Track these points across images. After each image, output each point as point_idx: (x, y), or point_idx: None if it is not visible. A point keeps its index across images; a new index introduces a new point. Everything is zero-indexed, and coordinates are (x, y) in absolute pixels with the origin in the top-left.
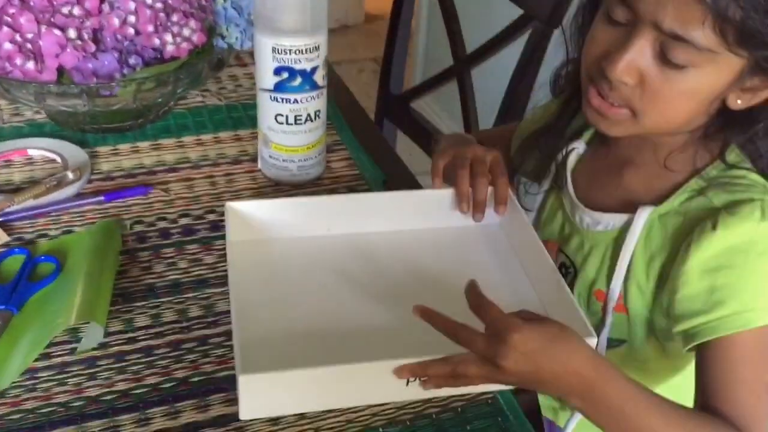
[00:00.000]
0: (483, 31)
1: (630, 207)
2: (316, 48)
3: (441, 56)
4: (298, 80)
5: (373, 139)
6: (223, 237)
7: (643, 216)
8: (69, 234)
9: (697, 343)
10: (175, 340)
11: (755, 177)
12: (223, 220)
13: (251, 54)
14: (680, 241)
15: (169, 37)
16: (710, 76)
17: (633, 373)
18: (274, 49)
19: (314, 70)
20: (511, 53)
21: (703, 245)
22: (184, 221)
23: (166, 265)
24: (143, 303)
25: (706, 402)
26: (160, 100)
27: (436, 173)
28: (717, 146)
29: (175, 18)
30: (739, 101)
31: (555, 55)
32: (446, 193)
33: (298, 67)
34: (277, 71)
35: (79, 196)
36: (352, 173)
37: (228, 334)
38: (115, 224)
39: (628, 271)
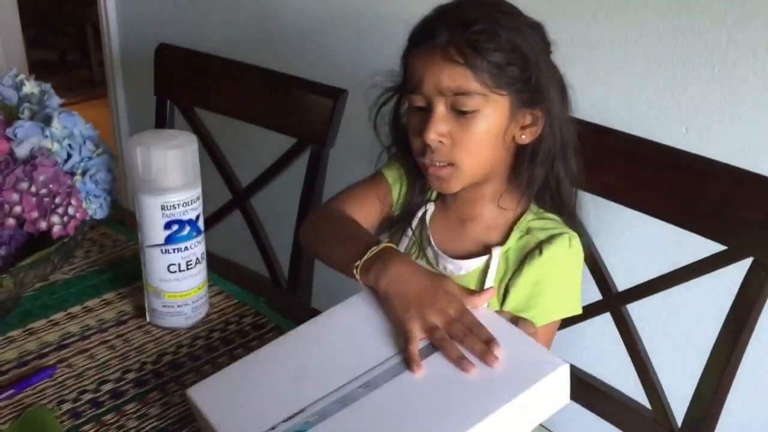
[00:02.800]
0: (247, 163)
1: (479, 251)
2: (198, 198)
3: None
4: (187, 229)
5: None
6: (155, 388)
7: (496, 255)
8: None
9: None
10: None
11: (553, 216)
12: (147, 373)
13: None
14: (516, 266)
15: (56, 218)
16: (492, 114)
17: None
18: (163, 207)
19: (198, 217)
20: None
21: (533, 265)
22: (106, 387)
23: (116, 429)
24: None
25: None
26: (36, 282)
27: (415, 362)
28: (524, 185)
29: (58, 200)
30: (523, 136)
31: (336, 167)
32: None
33: (186, 217)
34: (168, 225)
35: None
36: (232, 302)
37: None
38: (43, 409)
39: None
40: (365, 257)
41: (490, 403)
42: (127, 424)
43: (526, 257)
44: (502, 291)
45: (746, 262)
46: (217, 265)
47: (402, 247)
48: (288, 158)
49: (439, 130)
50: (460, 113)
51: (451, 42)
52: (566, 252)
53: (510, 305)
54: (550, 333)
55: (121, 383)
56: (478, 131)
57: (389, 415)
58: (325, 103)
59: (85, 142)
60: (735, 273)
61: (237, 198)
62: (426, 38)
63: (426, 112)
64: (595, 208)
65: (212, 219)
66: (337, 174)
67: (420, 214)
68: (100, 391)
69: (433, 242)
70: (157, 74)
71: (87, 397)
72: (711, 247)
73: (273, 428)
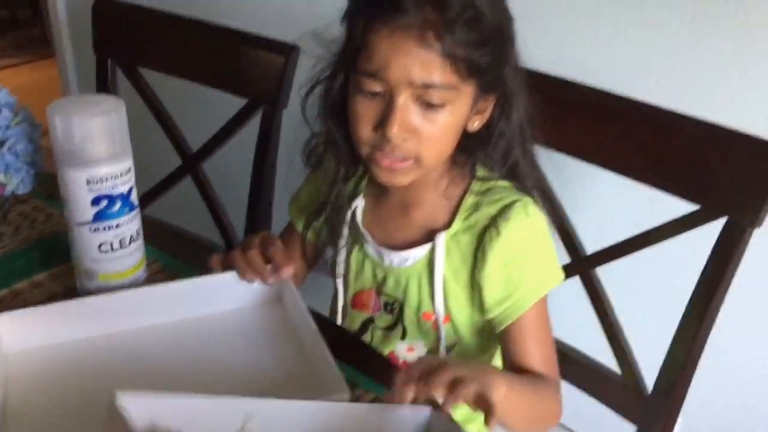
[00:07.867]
0: (198, 126)
1: (425, 238)
2: (129, 170)
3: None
4: (118, 205)
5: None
6: None
7: (441, 240)
8: None
9: (505, 325)
10: None
11: (501, 183)
12: None
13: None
14: (474, 250)
15: None
16: (460, 107)
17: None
18: (89, 181)
19: (130, 191)
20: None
21: (495, 249)
22: None
23: None
24: None
25: (517, 367)
26: None
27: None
28: (468, 168)
29: None
30: (476, 123)
31: (290, 130)
32: (223, 278)
33: (115, 192)
34: (96, 201)
35: None
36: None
37: None
38: None
39: (444, 288)
40: None
41: None
42: None
43: (483, 240)
44: (463, 280)
45: (720, 222)
46: (166, 235)
47: (340, 248)
48: (239, 120)
49: (405, 125)
50: (426, 105)
51: (427, 22)
52: (526, 222)
53: (489, 299)
54: (542, 311)
55: None
56: (445, 125)
57: None
58: (275, 61)
59: (0, 111)
60: (708, 233)
61: (187, 163)
62: (391, 9)
63: (382, 100)
64: (561, 168)
65: (162, 186)
66: (292, 137)
67: (349, 213)
68: None
69: (370, 239)
70: (96, 32)
71: None
72: (684, 207)
73: None
